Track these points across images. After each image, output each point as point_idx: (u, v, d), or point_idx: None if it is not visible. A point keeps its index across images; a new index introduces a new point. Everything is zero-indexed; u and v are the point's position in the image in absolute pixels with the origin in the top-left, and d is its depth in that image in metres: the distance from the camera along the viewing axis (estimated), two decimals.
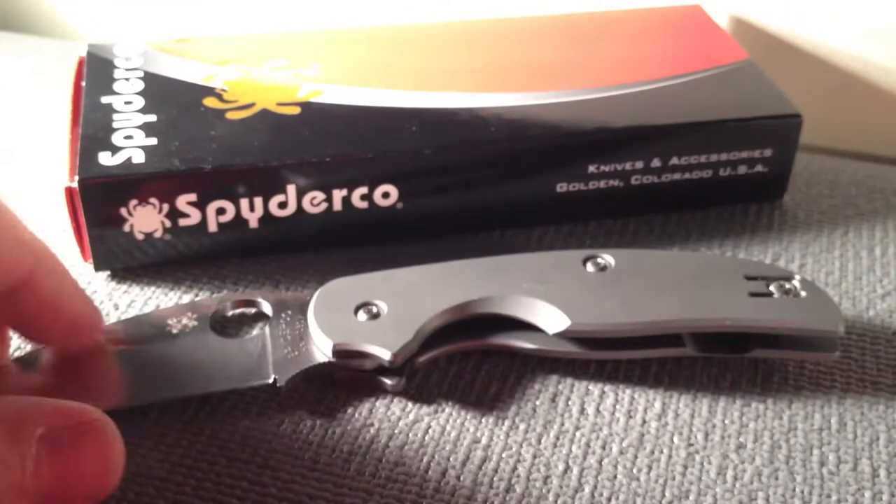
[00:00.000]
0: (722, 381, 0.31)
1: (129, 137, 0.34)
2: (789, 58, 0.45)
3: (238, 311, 0.33)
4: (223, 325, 0.32)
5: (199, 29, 0.53)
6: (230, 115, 0.36)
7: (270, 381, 0.29)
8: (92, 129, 0.35)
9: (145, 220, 0.33)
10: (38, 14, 0.56)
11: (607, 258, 0.32)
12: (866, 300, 0.34)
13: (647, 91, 0.38)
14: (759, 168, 0.38)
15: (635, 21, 0.44)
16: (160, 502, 0.27)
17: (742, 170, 0.38)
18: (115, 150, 0.34)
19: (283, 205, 0.34)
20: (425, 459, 0.28)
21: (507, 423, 0.30)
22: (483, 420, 0.30)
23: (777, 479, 0.28)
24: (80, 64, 0.39)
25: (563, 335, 0.30)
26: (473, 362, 0.31)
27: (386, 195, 0.35)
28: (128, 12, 0.54)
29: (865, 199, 0.40)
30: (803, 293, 0.31)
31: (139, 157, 0.33)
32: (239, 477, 0.28)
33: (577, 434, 0.29)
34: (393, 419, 0.30)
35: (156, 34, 0.54)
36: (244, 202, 0.34)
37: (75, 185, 0.32)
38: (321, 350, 0.30)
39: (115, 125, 0.35)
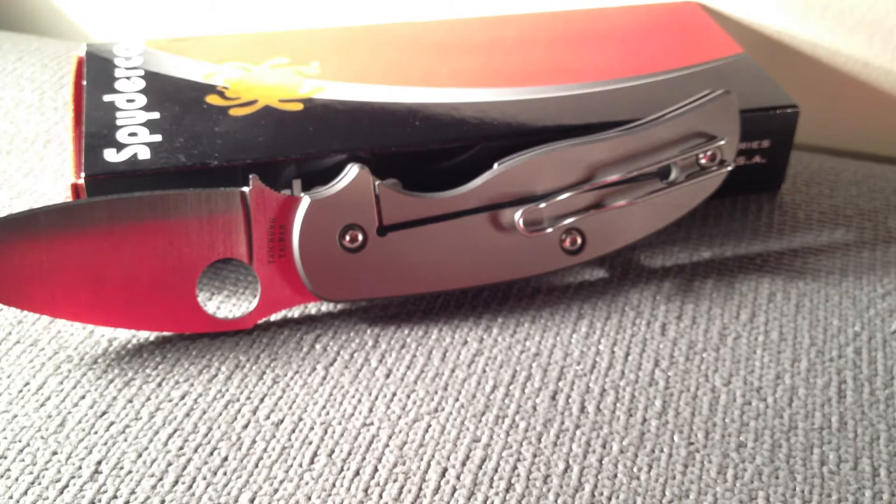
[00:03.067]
0: (721, 379, 0.31)
1: (133, 134, 0.34)
2: (789, 58, 0.45)
3: None
4: None
5: (197, 29, 0.53)
6: (233, 112, 0.36)
7: None
8: (96, 126, 0.35)
9: None
10: (38, 14, 0.56)
11: None
12: (866, 300, 0.35)
13: (646, 85, 0.39)
14: (757, 159, 0.38)
15: (633, 17, 0.44)
16: None
17: (740, 161, 0.38)
18: (119, 146, 0.34)
19: None
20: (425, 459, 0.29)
21: (506, 421, 0.30)
22: (482, 419, 0.30)
23: (777, 478, 0.28)
24: (80, 63, 0.39)
25: None
26: (471, 359, 0.32)
27: None
28: (128, 12, 0.54)
29: (865, 199, 0.40)
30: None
31: (145, 154, 0.33)
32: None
33: (578, 433, 0.29)
34: (393, 418, 0.30)
35: (155, 34, 0.54)
36: None
37: (81, 181, 0.32)
38: None
39: (118, 123, 0.35)
